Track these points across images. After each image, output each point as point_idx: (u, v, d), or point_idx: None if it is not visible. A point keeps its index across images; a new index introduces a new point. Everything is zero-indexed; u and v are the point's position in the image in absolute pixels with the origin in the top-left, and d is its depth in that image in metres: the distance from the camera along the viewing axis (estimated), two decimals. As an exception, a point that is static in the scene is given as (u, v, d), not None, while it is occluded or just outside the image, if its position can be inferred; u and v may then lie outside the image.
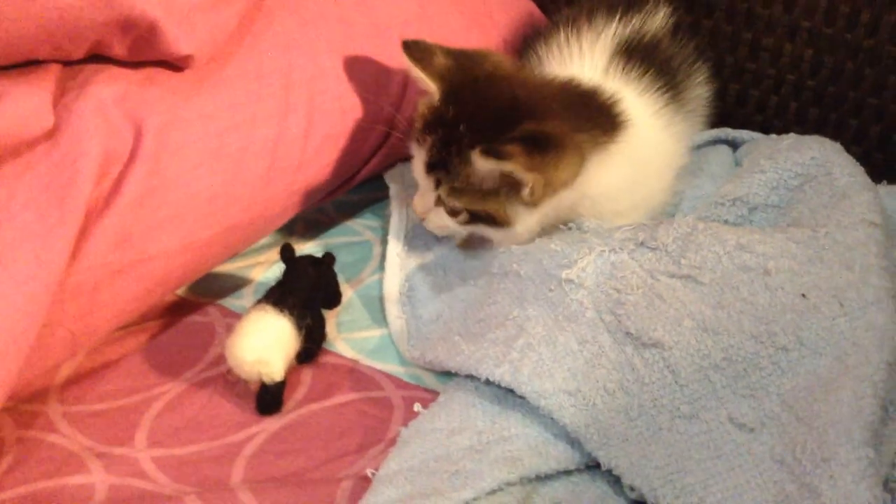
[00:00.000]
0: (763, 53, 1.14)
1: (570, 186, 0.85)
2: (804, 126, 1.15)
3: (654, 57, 0.97)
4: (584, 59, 0.96)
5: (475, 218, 0.87)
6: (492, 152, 0.80)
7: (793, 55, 1.12)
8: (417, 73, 0.88)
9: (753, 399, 0.71)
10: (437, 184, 0.87)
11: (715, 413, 0.71)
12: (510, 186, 0.83)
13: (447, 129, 0.84)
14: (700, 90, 1.05)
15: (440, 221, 0.89)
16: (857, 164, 0.90)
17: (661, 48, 1.00)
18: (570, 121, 0.84)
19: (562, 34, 1.00)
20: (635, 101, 0.93)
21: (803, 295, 0.74)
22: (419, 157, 0.87)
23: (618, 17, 0.99)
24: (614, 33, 0.98)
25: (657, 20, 1.02)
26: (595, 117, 0.87)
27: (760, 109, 1.18)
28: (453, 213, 0.88)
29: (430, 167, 0.86)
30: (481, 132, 0.82)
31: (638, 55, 0.96)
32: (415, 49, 0.88)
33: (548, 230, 0.90)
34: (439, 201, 0.88)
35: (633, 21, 1.00)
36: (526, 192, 0.83)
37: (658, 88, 0.95)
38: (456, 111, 0.85)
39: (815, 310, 0.73)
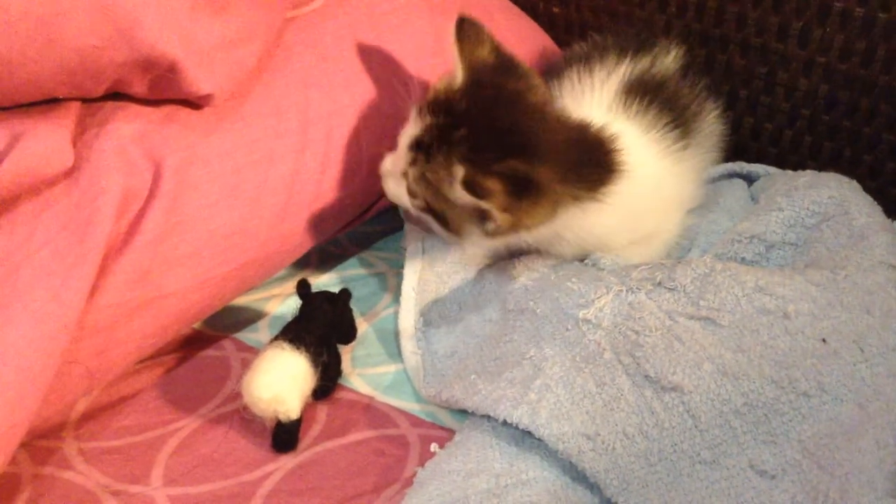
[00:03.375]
0: (778, 88, 1.14)
1: (531, 231, 0.85)
2: (819, 160, 1.15)
3: (661, 95, 0.96)
4: (594, 96, 0.96)
5: (430, 211, 0.86)
6: (474, 187, 0.78)
7: (808, 90, 1.12)
8: (454, 52, 0.85)
9: (774, 445, 0.70)
10: (413, 162, 0.84)
11: (736, 459, 0.70)
12: (477, 210, 0.82)
13: (449, 123, 0.82)
14: (711, 127, 1.04)
15: (397, 191, 0.87)
16: (875, 203, 0.90)
17: (669, 86, 0.99)
18: (560, 169, 0.82)
19: (574, 71, 0.99)
20: (639, 138, 0.92)
21: (824, 340, 0.73)
22: (411, 127, 0.85)
23: (629, 58, 0.99)
24: (623, 72, 0.97)
25: (667, 60, 1.02)
26: (588, 170, 0.85)
27: (775, 143, 1.18)
28: (413, 194, 0.86)
29: (416, 145, 0.84)
30: (475, 147, 0.80)
31: (645, 93, 0.95)
32: (467, 28, 0.85)
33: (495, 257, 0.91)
34: (406, 175, 0.86)
35: (643, 61, 1.00)
36: (490, 225, 0.82)
37: (665, 125, 0.94)
38: (465, 110, 0.82)
39: (836, 355, 0.72)
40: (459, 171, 0.79)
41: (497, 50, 0.86)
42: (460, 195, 0.80)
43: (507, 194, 0.78)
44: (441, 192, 0.83)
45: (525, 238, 0.87)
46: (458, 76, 0.85)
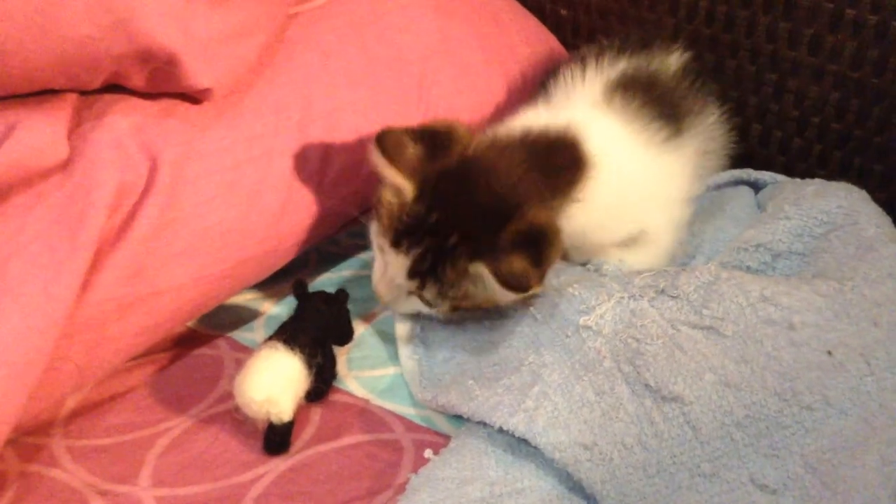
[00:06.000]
0: (788, 95, 1.13)
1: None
2: (828, 169, 1.13)
3: (651, 90, 0.96)
4: (582, 91, 0.96)
5: (462, 309, 0.85)
6: (512, 284, 0.78)
7: (818, 98, 1.10)
8: (390, 171, 0.82)
9: (776, 459, 0.69)
10: (422, 286, 0.83)
11: (736, 472, 0.69)
12: None
13: (435, 239, 0.81)
14: (711, 127, 1.03)
15: (413, 308, 0.87)
16: (884, 213, 0.89)
17: (661, 83, 0.99)
18: (539, 194, 0.82)
19: (570, 67, 1.00)
20: (618, 131, 0.92)
21: (829, 352, 0.72)
22: (397, 261, 0.83)
23: (625, 56, 0.99)
24: (616, 68, 0.98)
25: (668, 59, 1.02)
26: (558, 178, 0.85)
27: (784, 151, 1.16)
28: (434, 305, 0.85)
29: (415, 273, 0.83)
30: (474, 243, 0.80)
31: (632, 88, 0.95)
32: (388, 142, 0.82)
33: None
34: (418, 296, 0.85)
35: (639, 59, 1.00)
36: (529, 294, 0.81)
37: (650, 118, 0.94)
38: (439, 216, 0.81)
39: (841, 368, 0.71)
40: (482, 270, 0.79)
41: (415, 135, 0.84)
42: (500, 293, 0.80)
43: (535, 267, 0.78)
44: (469, 294, 0.83)
45: None
46: (405, 189, 0.82)
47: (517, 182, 0.82)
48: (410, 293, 0.85)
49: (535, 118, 0.91)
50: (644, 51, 1.02)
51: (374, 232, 0.86)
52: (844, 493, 0.64)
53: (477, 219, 0.81)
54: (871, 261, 0.80)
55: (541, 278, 0.79)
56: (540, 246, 0.79)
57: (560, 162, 0.86)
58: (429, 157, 0.83)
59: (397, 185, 0.83)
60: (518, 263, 0.78)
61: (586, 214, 0.86)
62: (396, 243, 0.82)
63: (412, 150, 0.83)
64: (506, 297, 0.81)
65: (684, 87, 1.01)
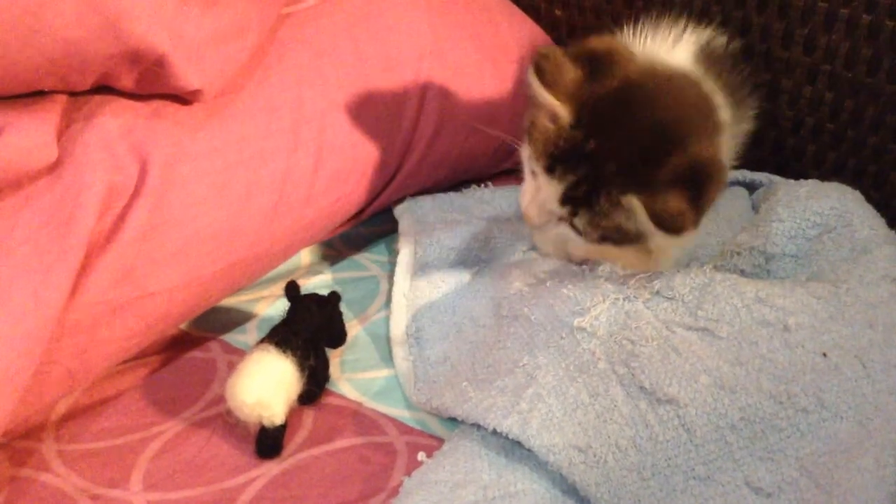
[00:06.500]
0: (782, 95, 1.12)
1: None
2: (822, 169, 1.13)
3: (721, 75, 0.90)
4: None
5: (609, 239, 0.82)
6: (665, 224, 0.75)
7: (812, 98, 1.10)
8: (547, 96, 0.79)
9: (771, 462, 0.68)
10: (574, 214, 0.81)
11: (731, 475, 0.68)
12: None
13: (591, 167, 0.78)
14: (745, 125, 0.97)
15: (558, 237, 0.85)
16: (878, 214, 0.88)
17: (726, 67, 0.92)
18: (703, 129, 0.79)
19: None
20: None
21: (824, 354, 0.71)
22: (550, 186, 0.80)
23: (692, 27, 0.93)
24: (702, 35, 0.92)
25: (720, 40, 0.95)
26: (711, 120, 0.82)
27: (778, 151, 1.16)
28: (586, 234, 0.82)
29: (568, 199, 0.80)
30: (632, 174, 0.77)
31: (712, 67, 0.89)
32: (547, 67, 0.79)
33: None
34: (569, 223, 0.83)
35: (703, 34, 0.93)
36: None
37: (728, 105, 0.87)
38: (597, 145, 0.77)
39: (837, 370, 0.70)
40: (635, 203, 0.77)
41: (576, 58, 0.80)
42: (649, 227, 0.77)
43: (692, 206, 0.75)
44: (622, 226, 0.80)
45: None
46: (562, 115, 0.79)
47: (682, 114, 0.79)
48: (561, 219, 0.83)
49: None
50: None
51: (527, 156, 0.83)
52: (840, 496, 0.64)
53: (637, 149, 0.77)
54: (866, 263, 0.80)
55: (697, 221, 0.76)
56: (701, 184, 0.76)
57: (706, 109, 0.82)
58: (588, 80, 0.79)
59: (554, 109, 0.79)
60: (675, 202, 0.75)
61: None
62: (550, 169, 0.80)
63: (572, 74, 0.79)
64: (656, 237, 0.78)
65: (738, 78, 0.94)
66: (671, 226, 0.76)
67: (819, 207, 0.88)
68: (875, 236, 0.84)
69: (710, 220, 0.98)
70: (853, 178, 1.10)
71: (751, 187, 1.06)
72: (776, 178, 1.04)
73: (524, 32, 1.21)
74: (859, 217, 0.86)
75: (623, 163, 0.77)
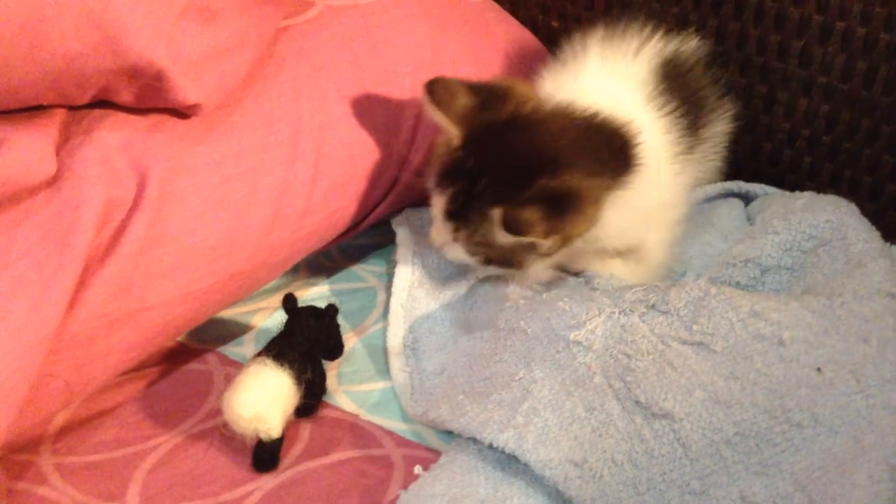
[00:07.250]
0: (777, 107, 1.13)
1: (584, 236, 0.84)
2: (818, 181, 1.13)
3: (686, 88, 0.92)
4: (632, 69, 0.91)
5: (492, 261, 0.87)
6: (511, 224, 0.79)
7: (808, 110, 1.10)
8: (439, 116, 0.85)
9: (766, 477, 0.68)
10: (457, 230, 0.86)
11: (726, 490, 0.69)
12: (527, 244, 0.82)
13: (468, 181, 0.83)
14: (720, 127, 0.98)
15: (457, 255, 0.89)
16: (873, 228, 0.88)
17: (694, 76, 0.95)
18: (586, 165, 0.82)
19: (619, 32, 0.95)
20: (662, 135, 0.89)
21: (819, 369, 0.72)
22: (438, 202, 0.86)
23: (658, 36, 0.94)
24: (661, 50, 0.93)
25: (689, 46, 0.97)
26: (611, 160, 0.84)
27: (773, 163, 1.16)
28: (472, 254, 0.87)
29: (450, 215, 0.85)
30: (501, 189, 0.81)
31: (674, 82, 0.91)
32: (439, 90, 0.85)
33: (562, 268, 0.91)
34: (458, 242, 0.87)
35: (670, 43, 0.95)
36: (542, 249, 0.83)
37: (683, 128, 0.90)
38: (476, 162, 0.83)
39: (831, 385, 0.71)
40: (497, 214, 0.80)
41: (471, 89, 0.86)
42: (503, 237, 0.81)
43: (545, 220, 0.78)
44: (494, 243, 0.84)
45: (578, 245, 0.86)
46: (453, 135, 0.85)
47: (562, 147, 0.82)
48: (454, 241, 0.87)
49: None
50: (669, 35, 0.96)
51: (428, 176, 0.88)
52: (834, 511, 0.64)
53: (509, 170, 0.82)
54: (860, 276, 0.80)
55: (546, 234, 0.79)
56: (562, 209, 0.79)
57: (613, 150, 0.84)
58: (481, 108, 0.85)
59: (447, 129, 0.85)
60: (528, 213, 0.78)
61: (621, 210, 0.84)
62: (438, 184, 0.85)
63: (465, 101, 0.85)
64: (501, 238, 0.82)
65: (708, 83, 0.96)
66: (516, 229, 0.79)
67: (814, 220, 0.89)
68: (870, 249, 0.84)
69: (705, 230, 0.99)
70: (849, 190, 1.10)
71: (746, 198, 1.06)
72: (771, 190, 1.05)
73: (522, 45, 1.21)
74: (854, 230, 0.86)
75: (495, 180, 0.82)
